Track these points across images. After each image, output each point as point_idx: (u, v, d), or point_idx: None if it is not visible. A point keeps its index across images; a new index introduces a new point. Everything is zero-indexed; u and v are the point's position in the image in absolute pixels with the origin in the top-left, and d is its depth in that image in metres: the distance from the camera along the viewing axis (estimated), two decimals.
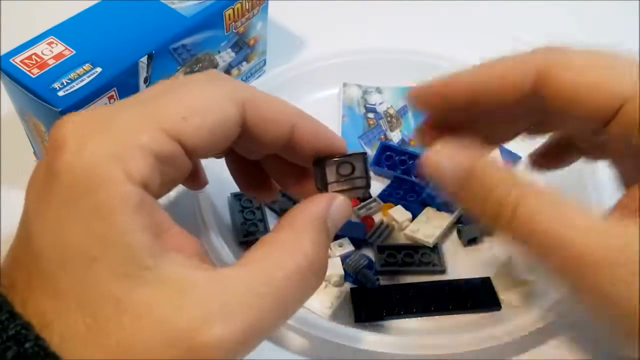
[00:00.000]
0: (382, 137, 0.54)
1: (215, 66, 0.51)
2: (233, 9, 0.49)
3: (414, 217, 0.48)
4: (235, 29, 0.50)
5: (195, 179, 0.34)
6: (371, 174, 0.51)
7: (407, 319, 0.43)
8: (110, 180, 0.23)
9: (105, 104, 0.42)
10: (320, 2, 0.66)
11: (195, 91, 0.27)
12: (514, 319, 0.41)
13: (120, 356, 0.21)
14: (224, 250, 0.42)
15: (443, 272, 0.45)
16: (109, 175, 0.23)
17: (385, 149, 0.51)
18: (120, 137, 0.24)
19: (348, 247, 0.45)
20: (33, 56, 0.42)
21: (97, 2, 0.46)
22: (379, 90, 0.57)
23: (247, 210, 0.47)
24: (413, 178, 0.50)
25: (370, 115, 0.55)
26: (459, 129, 0.32)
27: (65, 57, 0.42)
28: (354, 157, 0.31)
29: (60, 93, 0.40)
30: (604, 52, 0.29)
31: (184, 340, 0.22)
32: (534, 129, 0.34)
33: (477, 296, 0.44)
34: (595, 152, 0.35)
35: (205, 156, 0.29)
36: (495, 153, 0.52)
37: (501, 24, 0.66)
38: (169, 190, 0.28)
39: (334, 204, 0.29)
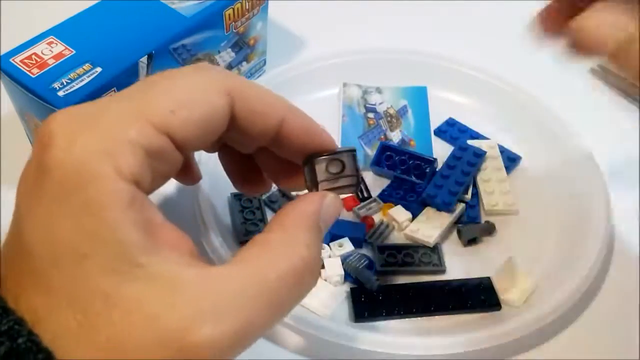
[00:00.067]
0: (382, 137, 0.54)
1: None
2: (233, 9, 0.49)
3: (414, 217, 0.48)
4: (235, 29, 0.50)
5: (188, 173, 0.34)
6: (371, 173, 0.51)
7: (407, 319, 0.43)
8: (100, 177, 0.23)
9: None
10: (320, 2, 0.66)
11: (183, 83, 0.27)
12: (514, 319, 0.41)
13: (110, 353, 0.21)
14: (224, 250, 0.42)
15: (443, 272, 0.45)
16: (99, 171, 0.23)
17: (385, 149, 0.51)
18: (109, 133, 0.24)
19: (348, 247, 0.45)
20: (33, 56, 0.42)
21: (97, 2, 0.46)
22: (379, 90, 0.57)
23: (247, 210, 0.47)
24: (413, 178, 0.50)
25: (370, 115, 0.55)
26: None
27: (65, 57, 0.42)
28: (343, 154, 0.31)
29: (60, 93, 0.40)
30: None
31: (175, 339, 0.22)
32: None
33: (477, 296, 0.44)
34: None
35: (196, 149, 0.29)
36: (496, 152, 0.52)
37: (501, 24, 0.66)
38: (161, 185, 0.28)
39: (324, 203, 0.29)
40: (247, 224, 0.46)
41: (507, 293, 0.43)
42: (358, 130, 0.54)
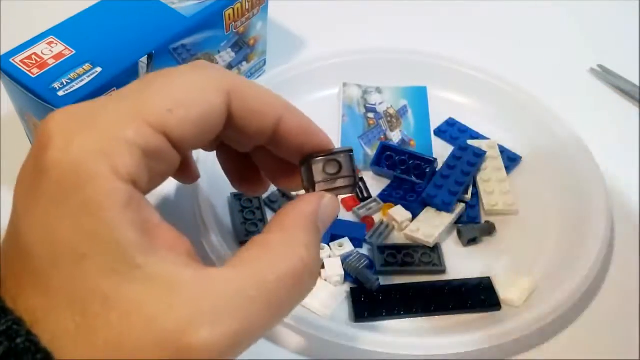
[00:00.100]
0: (382, 137, 0.54)
1: None
2: (233, 9, 0.49)
3: (414, 217, 0.48)
4: (235, 29, 0.50)
5: (186, 171, 0.33)
6: (371, 173, 0.51)
7: (407, 319, 0.43)
8: (97, 177, 0.23)
9: None
10: (320, 2, 0.66)
11: (180, 82, 0.27)
12: (514, 319, 0.41)
13: (108, 354, 0.21)
14: (224, 250, 0.42)
15: (443, 272, 0.45)
16: (96, 171, 0.23)
17: (385, 149, 0.51)
18: (105, 132, 0.24)
19: (348, 247, 0.45)
20: (33, 56, 0.42)
21: (97, 2, 0.46)
22: (379, 90, 0.57)
23: (247, 210, 0.47)
24: (413, 178, 0.50)
25: (370, 115, 0.55)
26: None
27: (65, 57, 0.42)
28: (340, 154, 0.30)
29: (60, 93, 0.40)
30: None
31: (172, 341, 0.22)
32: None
33: (477, 296, 0.44)
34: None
35: (193, 148, 0.29)
36: (496, 152, 0.52)
37: (501, 24, 0.66)
38: (159, 184, 0.28)
39: (322, 204, 0.29)
40: (247, 224, 0.46)
41: (507, 293, 0.43)
42: (358, 130, 0.54)
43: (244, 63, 0.55)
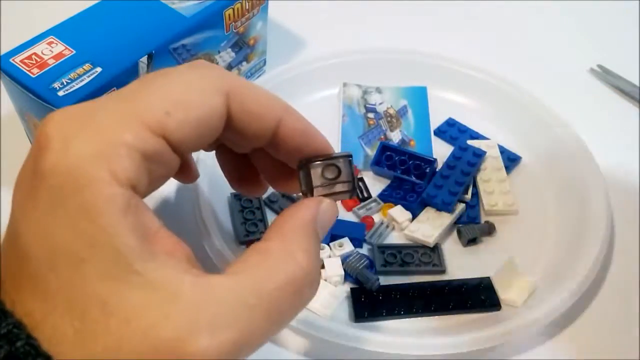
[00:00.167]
0: (382, 137, 0.54)
1: None
2: (233, 9, 0.49)
3: (414, 217, 0.48)
4: (235, 29, 0.50)
5: (185, 172, 0.33)
6: (371, 173, 0.51)
7: (407, 319, 0.43)
8: (96, 181, 0.22)
9: None
10: (320, 2, 0.66)
11: (178, 83, 0.26)
12: (514, 319, 0.41)
13: None
14: (224, 250, 0.42)
15: (443, 272, 0.45)
16: (94, 175, 0.22)
17: (385, 149, 0.51)
18: (104, 136, 0.23)
19: (348, 247, 0.45)
20: (33, 56, 0.42)
21: (97, 2, 0.46)
22: (379, 90, 0.57)
23: (247, 210, 0.47)
24: (413, 178, 0.50)
25: (370, 115, 0.55)
26: None
27: (65, 57, 0.42)
28: (339, 159, 0.30)
29: (60, 93, 0.40)
30: None
31: (172, 349, 0.21)
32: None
33: (477, 296, 0.44)
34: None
35: (193, 150, 0.28)
36: (496, 152, 0.52)
37: (501, 24, 0.66)
38: (159, 186, 0.27)
39: (321, 209, 0.29)
40: (247, 224, 0.46)
41: (507, 293, 0.43)
42: (358, 130, 0.54)
43: (244, 63, 0.55)
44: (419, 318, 0.43)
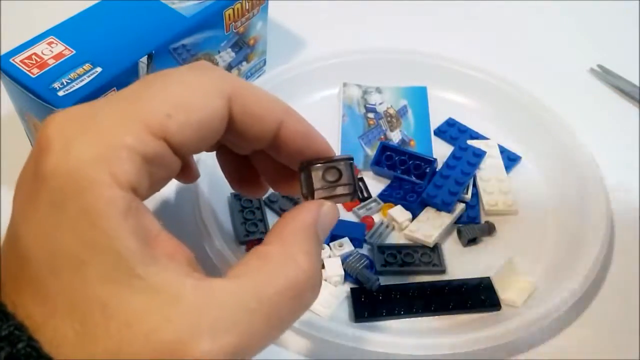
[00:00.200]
0: (382, 137, 0.54)
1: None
2: (233, 9, 0.49)
3: (414, 217, 0.48)
4: (235, 29, 0.50)
5: (186, 173, 0.33)
6: (371, 173, 0.51)
7: (407, 319, 0.43)
8: (97, 184, 0.22)
9: None
10: (320, 2, 0.66)
11: (180, 84, 0.26)
12: (514, 319, 0.41)
13: None
14: (224, 250, 0.42)
15: (443, 272, 0.45)
16: (95, 178, 0.22)
17: (385, 149, 0.51)
18: (105, 138, 0.23)
19: (348, 247, 0.45)
20: (33, 56, 0.42)
21: (97, 2, 0.46)
22: (379, 90, 0.57)
23: (247, 210, 0.47)
24: (413, 178, 0.50)
25: (370, 115, 0.55)
26: None
27: (65, 57, 0.42)
28: (340, 162, 0.30)
29: (60, 93, 0.40)
30: None
31: (173, 352, 0.21)
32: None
33: (477, 296, 0.44)
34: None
35: (194, 152, 0.28)
36: (496, 152, 0.52)
37: (501, 24, 0.66)
38: (159, 188, 0.27)
39: (322, 212, 0.29)
40: (247, 224, 0.46)
41: (507, 293, 0.43)
42: (358, 130, 0.54)
43: (244, 63, 0.55)
44: (419, 318, 0.43)
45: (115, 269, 0.22)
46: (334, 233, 0.46)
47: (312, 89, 0.56)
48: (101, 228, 0.22)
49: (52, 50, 0.42)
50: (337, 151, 0.52)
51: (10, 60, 0.42)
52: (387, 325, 0.42)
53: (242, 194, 0.47)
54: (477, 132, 0.54)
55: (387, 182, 0.51)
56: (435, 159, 0.50)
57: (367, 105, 0.56)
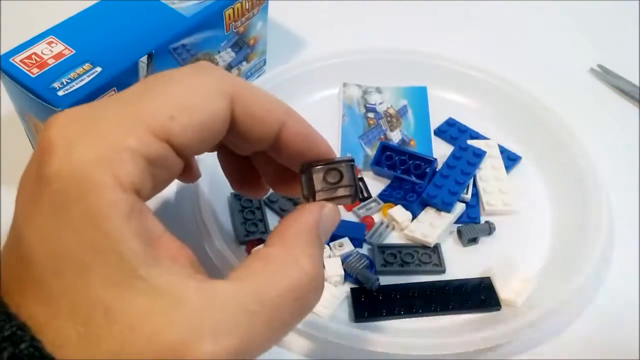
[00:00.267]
0: (382, 137, 0.54)
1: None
2: (233, 9, 0.49)
3: (414, 217, 0.48)
4: (235, 29, 0.50)
5: (187, 173, 0.33)
6: (371, 173, 0.51)
7: (407, 319, 0.43)
8: (100, 186, 0.22)
9: None
10: (320, 2, 0.66)
11: (182, 86, 0.26)
12: (514, 319, 0.41)
13: None
14: (225, 250, 0.42)
15: (443, 272, 0.45)
16: (98, 180, 0.22)
17: (385, 149, 0.51)
18: (107, 140, 0.23)
19: (348, 247, 0.45)
20: (33, 56, 0.42)
21: (97, 2, 0.46)
22: (379, 90, 0.57)
23: (247, 210, 0.47)
24: (413, 178, 0.50)
25: (370, 115, 0.55)
26: None
27: (65, 57, 0.42)
28: (341, 164, 0.30)
29: (60, 93, 0.40)
30: None
31: (175, 354, 0.21)
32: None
33: (477, 296, 0.44)
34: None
35: (196, 154, 0.28)
36: (496, 152, 0.52)
37: (501, 24, 0.66)
38: (161, 189, 0.27)
39: (323, 213, 0.29)
40: (247, 224, 0.46)
41: (507, 293, 0.43)
42: (358, 130, 0.54)
43: (244, 63, 0.55)
44: (419, 318, 0.43)
45: (118, 270, 0.22)
46: (334, 233, 0.45)
47: (312, 89, 0.56)
48: (104, 230, 0.22)
49: (52, 50, 0.42)
50: (337, 151, 0.52)
51: (10, 60, 0.42)
52: (387, 325, 0.42)
53: (243, 194, 0.47)
54: (477, 132, 0.54)
55: (387, 182, 0.51)
56: (435, 159, 0.50)
57: (367, 105, 0.56)
